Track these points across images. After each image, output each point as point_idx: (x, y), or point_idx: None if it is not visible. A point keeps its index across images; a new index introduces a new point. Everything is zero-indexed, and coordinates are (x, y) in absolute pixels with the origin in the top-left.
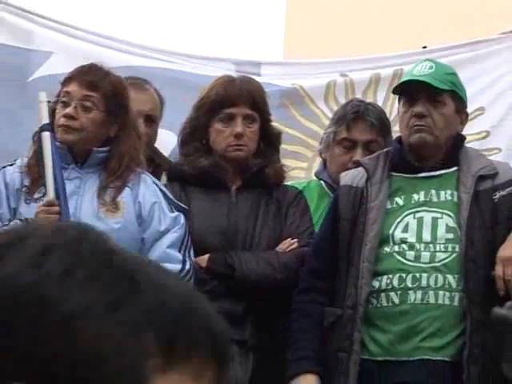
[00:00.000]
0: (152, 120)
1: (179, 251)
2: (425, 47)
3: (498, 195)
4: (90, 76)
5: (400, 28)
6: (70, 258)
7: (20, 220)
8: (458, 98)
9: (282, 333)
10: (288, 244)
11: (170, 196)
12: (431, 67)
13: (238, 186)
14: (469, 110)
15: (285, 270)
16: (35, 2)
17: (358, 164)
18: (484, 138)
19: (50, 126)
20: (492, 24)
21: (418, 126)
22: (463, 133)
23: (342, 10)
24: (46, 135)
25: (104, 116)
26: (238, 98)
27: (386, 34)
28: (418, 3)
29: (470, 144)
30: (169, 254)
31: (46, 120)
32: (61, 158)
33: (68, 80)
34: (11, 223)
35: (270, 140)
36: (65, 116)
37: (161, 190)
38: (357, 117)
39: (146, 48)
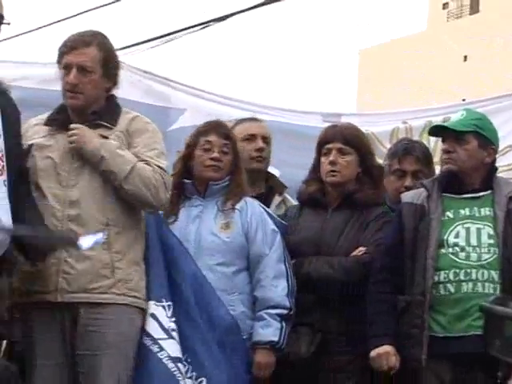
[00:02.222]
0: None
1: (284, 264)
2: (464, 100)
3: None
4: (223, 129)
5: (441, 85)
6: None
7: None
8: (481, 136)
9: (346, 319)
10: (357, 251)
11: (274, 215)
12: (462, 114)
13: (335, 206)
14: (501, 146)
15: (344, 272)
16: (173, 72)
17: (408, 188)
18: None
19: None
20: None
21: (445, 159)
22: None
23: (401, 71)
24: None
25: (234, 158)
26: (333, 136)
27: (433, 88)
28: (453, 67)
29: (501, 174)
30: (279, 269)
31: None
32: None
33: (207, 132)
34: None
35: (368, 171)
36: (213, 159)
37: (266, 211)
38: (406, 153)
39: (254, 104)
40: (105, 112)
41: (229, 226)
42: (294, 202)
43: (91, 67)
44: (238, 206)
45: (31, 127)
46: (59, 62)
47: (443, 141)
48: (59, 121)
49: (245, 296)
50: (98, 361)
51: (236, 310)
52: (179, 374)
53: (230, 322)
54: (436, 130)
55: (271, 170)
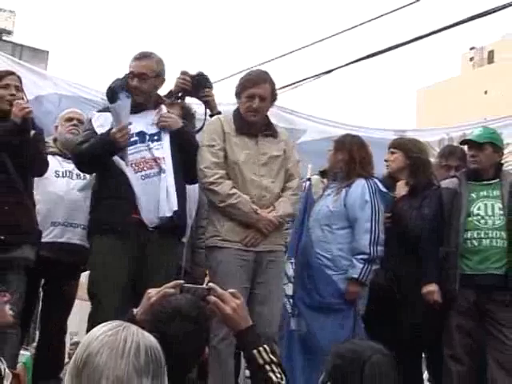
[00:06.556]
0: None
1: (370, 222)
2: (485, 118)
3: None
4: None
5: (471, 110)
6: None
7: None
8: (494, 145)
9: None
10: None
11: (385, 191)
12: (480, 130)
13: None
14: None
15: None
16: (297, 105)
17: (453, 176)
18: None
19: None
20: None
21: (471, 161)
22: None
23: (445, 101)
24: None
25: (347, 158)
26: (389, 145)
27: (467, 112)
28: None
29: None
30: (365, 227)
31: None
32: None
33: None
34: None
35: (415, 162)
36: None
37: (379, 188)
38: (450, 153)
39: (349, 125)
40: (270, 126)
41: (336, 201)
42: None
43: (267, 97)
44: (346, 186)
45: (226, 121)
46: (241, 92)
47: (469, 149)
48: (245, 128)
49: (342, 245)
50: (271, 286)
51: (333, 254)
52: (289, 306)
53: (330, 282)
54: (464, 142)
55: None
